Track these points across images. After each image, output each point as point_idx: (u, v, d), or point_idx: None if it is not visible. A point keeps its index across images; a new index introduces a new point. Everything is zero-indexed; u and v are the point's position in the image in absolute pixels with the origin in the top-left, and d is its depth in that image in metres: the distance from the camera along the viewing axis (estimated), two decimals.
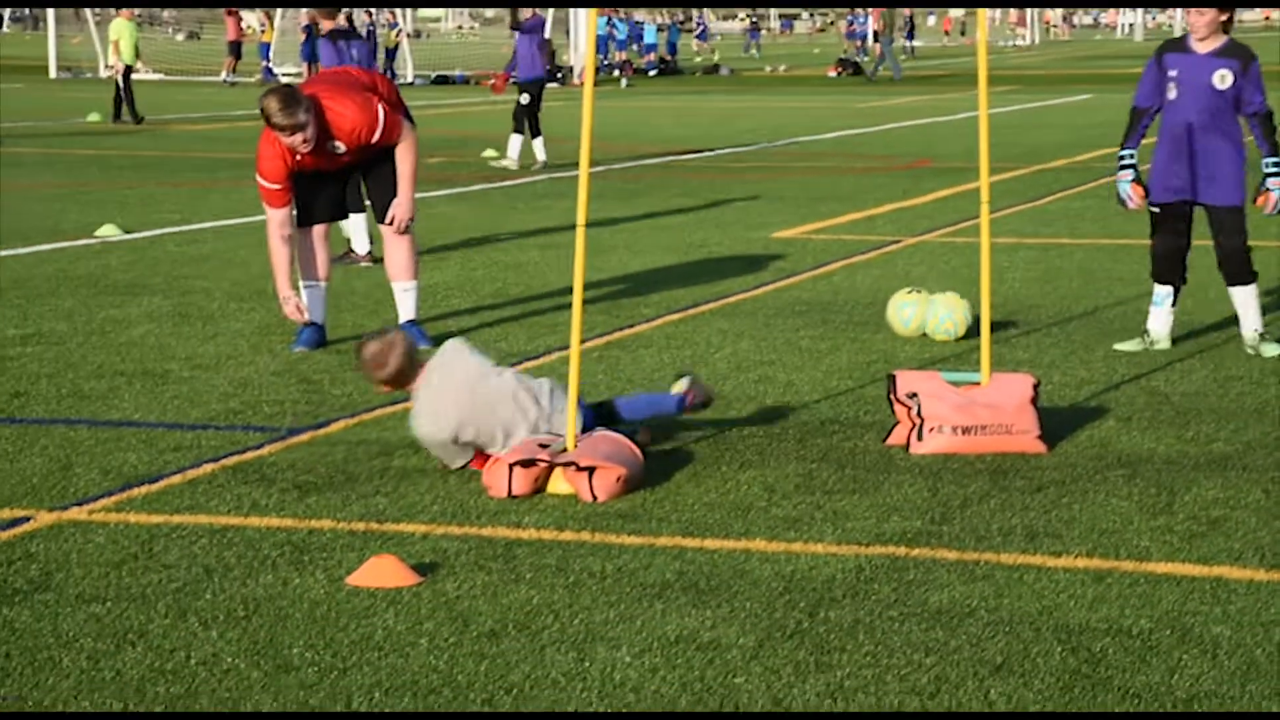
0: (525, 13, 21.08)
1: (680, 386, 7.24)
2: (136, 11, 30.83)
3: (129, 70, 29.82)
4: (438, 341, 9.35)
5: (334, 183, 9.29)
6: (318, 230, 9.32)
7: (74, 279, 11.68)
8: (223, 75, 46.99)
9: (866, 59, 57.70)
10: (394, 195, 9.24)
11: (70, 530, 5.90)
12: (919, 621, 5.00)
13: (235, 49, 47.45)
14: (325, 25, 12.95)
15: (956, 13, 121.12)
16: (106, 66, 43.69)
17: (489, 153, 22.37)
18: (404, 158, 9.21)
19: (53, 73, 47.19)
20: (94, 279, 11.69)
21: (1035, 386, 7.08)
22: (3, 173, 19.88)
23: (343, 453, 6.99)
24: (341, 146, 8.96)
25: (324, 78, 9.52)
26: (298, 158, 8.89)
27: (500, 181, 19.26)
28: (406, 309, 9.46)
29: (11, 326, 9.84)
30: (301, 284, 9.34)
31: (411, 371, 6.72)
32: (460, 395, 6.61)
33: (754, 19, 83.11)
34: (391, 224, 9.31)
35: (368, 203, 9.47)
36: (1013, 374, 7.35)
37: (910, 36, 69.74)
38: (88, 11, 48.18)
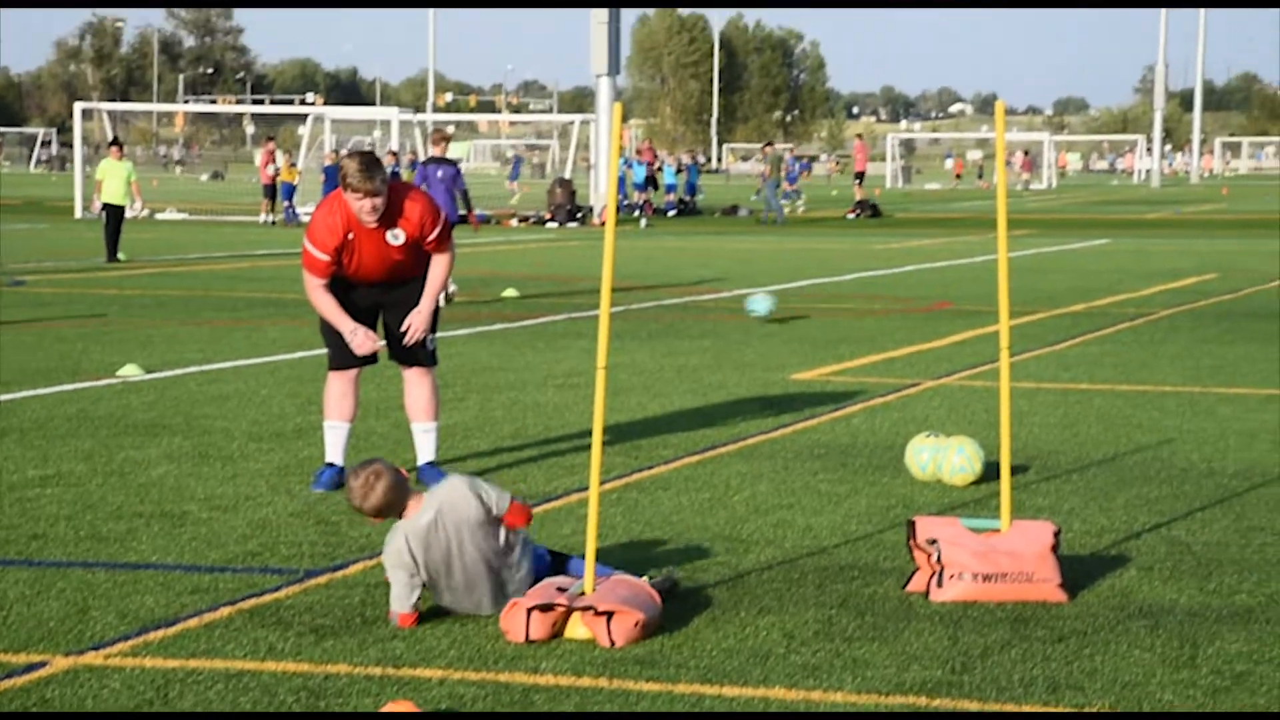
0: (435, 148, 21.25)
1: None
2: (119, 151, 30.67)
3: (118, 210, 29.93)
4: None
5: (366, 320, 9.30)
6: (350, 374, 9.38)
7: (94, 419, 11.73)
8: (261, 217, 47.61)
9: (756, 198, 55.11)
10: (415, 306, 9.26)
11: (86, 675, 5.87)
12: None
13: (269, 191, 48.06)
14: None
15: (973, 155, 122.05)
16: (84, 209, 44.32)
17: (509, 292, 22.52)
18: (436, 271, 9.26)
19: (78, 213, 47.67)
20: (114, 419, 11.74)
21: (1056, 534, 7.05)
22: (25, 312, 20.04)
23: (360, 595, 6.97)
24: (401, 236, 8.99)
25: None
26: (349, 236, 8.93)
27: (520, 321, 19.37)
28: (426, 450, 9.47)
29: (31, 467, 9.87)
30: (325, 424, 9.37)
31: (401, 502, 6.67)
32: (440, 541, 6.61)
33: (691, 159, 71.26)
34: (405, 334, 9.25)
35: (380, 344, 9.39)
36: (1033, 521, 7.32)
37: (794, 180, 62.49)
38: (77, 152, 49.10)
